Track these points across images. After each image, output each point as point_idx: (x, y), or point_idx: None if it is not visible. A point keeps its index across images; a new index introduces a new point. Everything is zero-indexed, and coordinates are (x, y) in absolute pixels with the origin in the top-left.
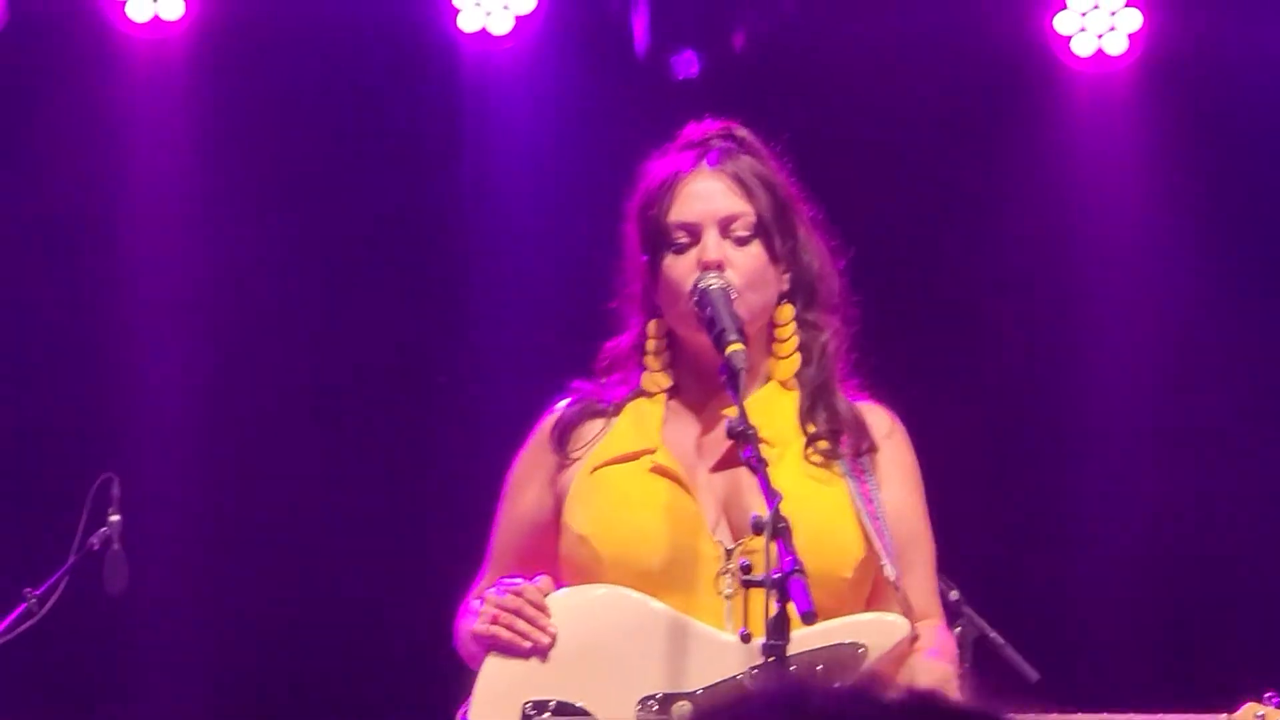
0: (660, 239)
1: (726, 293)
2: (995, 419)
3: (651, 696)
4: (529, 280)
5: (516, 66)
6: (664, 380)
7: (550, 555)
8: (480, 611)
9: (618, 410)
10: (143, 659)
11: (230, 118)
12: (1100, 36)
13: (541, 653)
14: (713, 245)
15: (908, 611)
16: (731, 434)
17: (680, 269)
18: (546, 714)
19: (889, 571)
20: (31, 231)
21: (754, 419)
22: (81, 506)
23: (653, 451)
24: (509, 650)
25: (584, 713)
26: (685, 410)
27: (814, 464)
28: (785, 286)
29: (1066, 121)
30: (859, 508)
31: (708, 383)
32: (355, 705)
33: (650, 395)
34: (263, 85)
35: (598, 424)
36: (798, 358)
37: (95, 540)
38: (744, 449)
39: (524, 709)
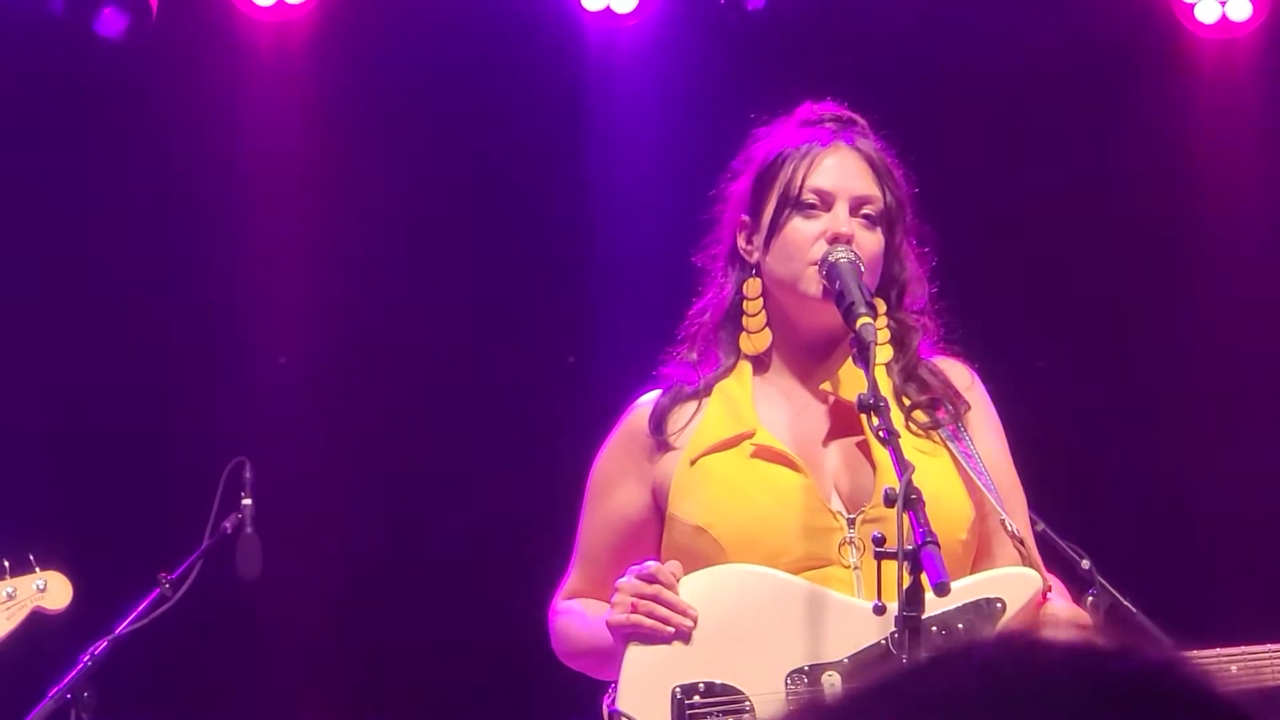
0: (788, 198)
1: (857, 266)
2: (1118, 390)
3: (799, 669)
4: (654, 259)
5: (641, 44)
6: (763, 341)
7: (646, 549)
8: (616, 602)
9: (707, 391)
10: (275, 642)
11: (352, 98)
12: (1224, 3)
13: (684, 636)
14: (844, 218)
15: (1029, 562)
16: (863, 407)
17: (806, 231)
18: (696, 696)
19: (1010, 526)
20: (164, 219)
21: (851, 393)
22: (215, 491)
23: (752, 434)
24: (652, 638)
25: (734, 691)
26: (775, 384)
27: (915, 435)
28: (878, 281)
29: (1190, 89)
30: (966, 469)
31: (798, 351)
32: (483, 692)
33: (739, 369)
34: (385, 63)
35: (689, 408)
36: (890, 349)
37: (228, 524)
38: (877, 421)
39: (673, 693)
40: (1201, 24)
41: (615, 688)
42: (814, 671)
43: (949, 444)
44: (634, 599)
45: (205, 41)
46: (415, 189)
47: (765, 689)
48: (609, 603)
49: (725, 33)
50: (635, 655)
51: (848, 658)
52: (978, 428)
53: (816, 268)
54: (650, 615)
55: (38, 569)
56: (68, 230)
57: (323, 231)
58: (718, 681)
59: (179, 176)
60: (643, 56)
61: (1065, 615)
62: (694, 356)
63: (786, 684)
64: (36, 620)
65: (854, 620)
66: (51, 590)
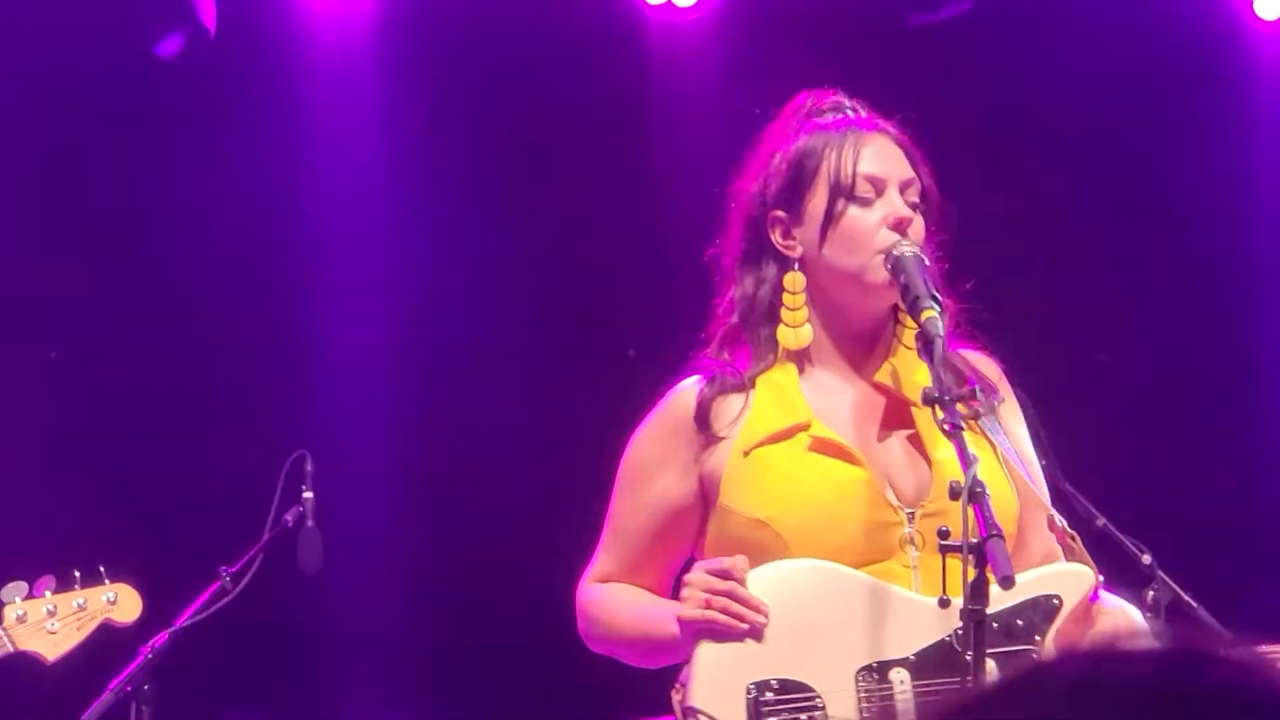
0: (840, 188)
1: (920, 259)
2: (1180, 388)
3: (868, 666)
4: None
5: (703, 37)
6: (807, 335)
7: (684, 537)
8: (687, 596)
9: (751, 383)
10: (335, 636)
11: (412, 91)
12: None
13: (756, 633)
14: (900, 203)
15: (1081, 557)
16: (928, 400)
17: (866, 220)
18: (769, 693)
19: (1060, 521)
20: (224, 216)
21: (898, 385)
22: (275, 484)
23: (807, 426)
24: (725, 634)
25: (806, 689)
26: (821, 376)
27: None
28: None
29: (1250, 85)
30: (1008, 462)
31: (843, 343)
32: (548, 683)
33: (782, 361)
34: (446, 58)
35: (736, 400)
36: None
37: (289, 517)
38: (942, 414)
39: (747, 690)
40: (1262, 20)
41: (687, 684)
42: (883, 669)
43: (989, 436)
44: (707, 594)
45: (266, 35)
46: (475, 182)
47: (835, 686)
48: (643, 588)
49: (786, 25)
50: (708, 652)
51: (914, 655)
52: (1010, 421)
53: (883, 258)
54: (724, 611)
55: (108, 581)
56: (124, 227)
57: (383, 226)
58: (789, 678)
59: (241, 172)
60: (704, 49)
61: (1117, 611)
62: (725, 356)
63: (857, 681)
64: (102, 627)
65: (918, 616)
66: (121, 603)
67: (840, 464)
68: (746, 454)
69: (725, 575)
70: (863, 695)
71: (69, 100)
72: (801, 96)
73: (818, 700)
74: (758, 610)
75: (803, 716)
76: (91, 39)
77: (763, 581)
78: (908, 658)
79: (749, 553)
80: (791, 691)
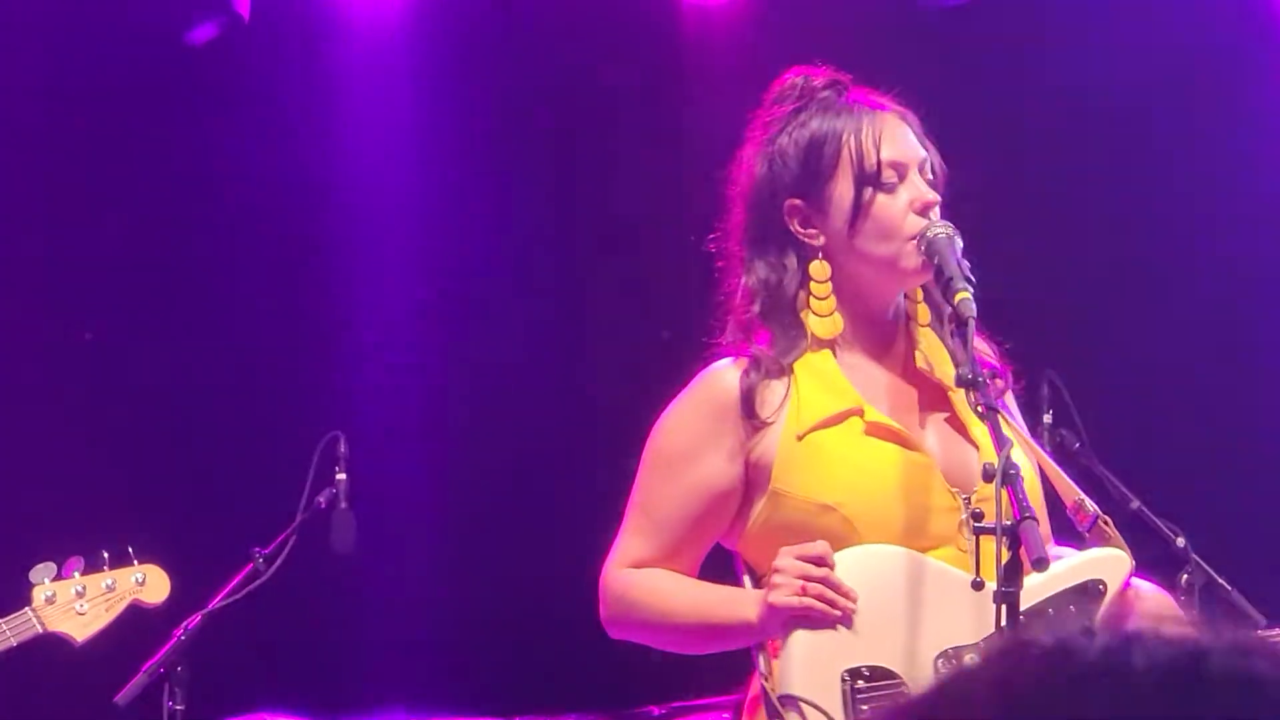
0: (866, 176)
1: (952, 240)
2: (1211, 375)
3: (944, 652)
4: None
5: (736, 20)
6: (839, 323)
7: (721, 522)
8: (780, 583)
9: (789, 369)
10: (368, 617)
11: (447, 77)
12: None
13: (847, 619)
14: (924, 186)
15: (1110, 540)
16: (961, 382)
17: (894, 207)
18: (860, 681)
19: (1091, 506)
20: (259, 199)
21: (926, 368)
22: (309, 465)
23: (860, 411)
24: (820, 621)
25: (893, 675)
26: (852, 361)
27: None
28: None
29: None
30: (1030, 444)
31: (869, 328)
32: (582, 665)
33: (815, 348)
34: (476, 45)
35: (778, 385)
36: (927, 311)
37: (322, 499)
38: (974, 396)
39: (842, 677)
40: None
41: (779, 673)
42: (958, 654)
43: (1010, 420)
44: (803, 581)
45: (301, 20)
46: (508, 165)
47: (917, 672)
48: (681, 573)
49: (820, 11)
50: (804, 639)
51: (985, 641)
52: (1012, 407)
53: (915, 243)
54: (819, 598)
55: (136, 562)
56: (160, 213)
57: (417, 210)
58: (878, 665)
59: (274, 157)
60: (738, 32)
61: (1155, 595)
62: (756, 348)
63: (936, 667)
64: (130, 608)
65: (982, 601)
66: (150, 584)
67: (900, 449)
68: (800, 439)
69: (819, 561)
70: None
71: (98, 88)
72: (793, 72)
73: (905, 687)
74: (847, 596)
75: (889, 704)
76: (128, 26)
77: (847, 567)
78: (978, 644)
79: (811, 538)
80: (881, 678)
